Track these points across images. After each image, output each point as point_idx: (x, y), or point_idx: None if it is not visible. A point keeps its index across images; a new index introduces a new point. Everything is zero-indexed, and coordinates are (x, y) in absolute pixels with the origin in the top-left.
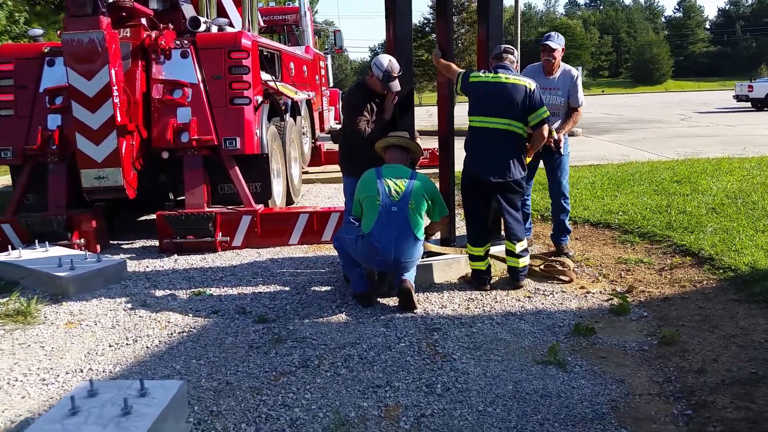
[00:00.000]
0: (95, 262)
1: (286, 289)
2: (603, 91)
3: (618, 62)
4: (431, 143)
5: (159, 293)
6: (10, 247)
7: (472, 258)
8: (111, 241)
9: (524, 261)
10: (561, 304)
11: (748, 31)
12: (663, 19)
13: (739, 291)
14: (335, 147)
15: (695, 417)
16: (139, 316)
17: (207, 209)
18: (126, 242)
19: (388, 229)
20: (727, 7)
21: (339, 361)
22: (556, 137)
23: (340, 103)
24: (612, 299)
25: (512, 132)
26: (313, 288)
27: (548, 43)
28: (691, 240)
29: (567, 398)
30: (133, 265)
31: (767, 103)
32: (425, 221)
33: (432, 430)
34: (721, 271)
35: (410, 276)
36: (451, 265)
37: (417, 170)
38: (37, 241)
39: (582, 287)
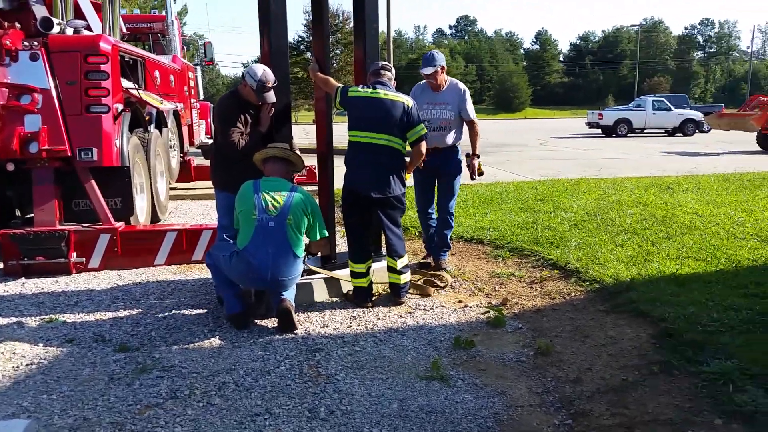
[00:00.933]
0: None
1: (152, 313)
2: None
3: (482, 90)
4: (310, 161)
5: (2, 321)
6: None
7: (354, 275)
8: None
9: (405, 277)
10: (441, 318)
11: (595, 64)
12: (522, 51)
13: (605, 302)
14: (206, 162)
15: (575, 426)
16: None
17: (59, 227)
18: None
19: (265, 245)
20: (578, 42)
21: (212, 390)
22: (475, 165)
23: (212, 114)
24: (488, 312)
25: (392, 147)
26: (182, 311)
27: (423, 71)
28: (558, 254)
29: (452, 413)
30: None
31: (615, 130)
32: (306, 239)
33: None
34: (588, 283)
35: (289, 295)
36: (332, 283)
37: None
38: None
39: (460, 301)
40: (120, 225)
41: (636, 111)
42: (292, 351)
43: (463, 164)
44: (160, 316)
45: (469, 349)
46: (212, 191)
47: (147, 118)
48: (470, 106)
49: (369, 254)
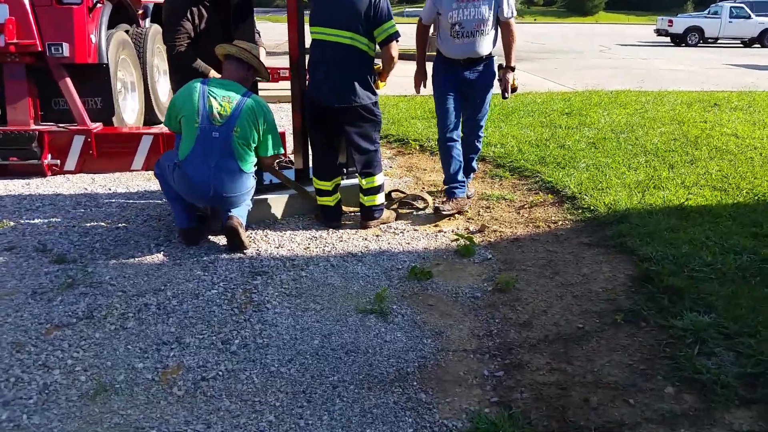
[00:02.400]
0: None
1: (107, 222)
2: (535, 20)
3: None
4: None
5: None
6: None
7: (319, 193)
8: None
9: (375, 198)
10: (408, 243)
11: None
12: None
13: (592, 234)
14: None
15: (505, 380)
16: None
17: (32, 127)
18: None
19: (207, 159)
20: None
21: (131, 312)
22: (509, 80)
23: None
24: (458, 239)
25: (356, 48)
26: (138, 222)
27: None
28: (559, 177)
29: (374, 354)
30: None
31: (684, 39)
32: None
33: (208, 396)
34: (580, 211)
35: (239, 212)
36: (298, 200)
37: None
38: None
39: (436, 225)
40: (96, 126)
41: (710, 18)
42: (234, 273)
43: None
44: (114, 226)
45: (424, 281)
46: None
47: (141, 12)
48: (511, 2)
49: (336, 170)
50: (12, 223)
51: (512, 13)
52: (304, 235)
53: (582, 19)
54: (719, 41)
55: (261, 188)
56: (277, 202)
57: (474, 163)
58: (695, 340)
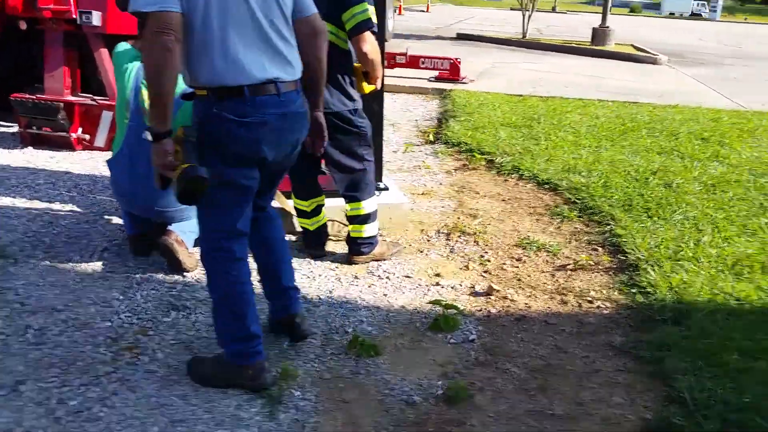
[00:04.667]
0: None
1: (85, 211)
2: (745, 19)
3: None
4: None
5: None
6: None
7: (297, 213)
8: None
9: (360, 230)
10: (384, 296)
11: None
12: None
13: (627, 332)
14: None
15: None
16: None
17: (63, 98)
18: (6, 124)
19: (134, 164)
20: None
21: (5, 333)
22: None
23: None
24: (437, 305)
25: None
26: (117, 216)
27: None
28: (634, 231)
29: None
30: None
31: None
32: None
33: None
34: (634, 290)
35: (183, 227)
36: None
37: None
38: None
39: (437, 274)
40: None
41: None
42: (150, 302)
43: None
44: (88, 218)
45: (363, 358)
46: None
47: None
48: None
49: (315, 188)
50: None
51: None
52: None
53: None
54: None
55: None
56: None
57: None
58: None
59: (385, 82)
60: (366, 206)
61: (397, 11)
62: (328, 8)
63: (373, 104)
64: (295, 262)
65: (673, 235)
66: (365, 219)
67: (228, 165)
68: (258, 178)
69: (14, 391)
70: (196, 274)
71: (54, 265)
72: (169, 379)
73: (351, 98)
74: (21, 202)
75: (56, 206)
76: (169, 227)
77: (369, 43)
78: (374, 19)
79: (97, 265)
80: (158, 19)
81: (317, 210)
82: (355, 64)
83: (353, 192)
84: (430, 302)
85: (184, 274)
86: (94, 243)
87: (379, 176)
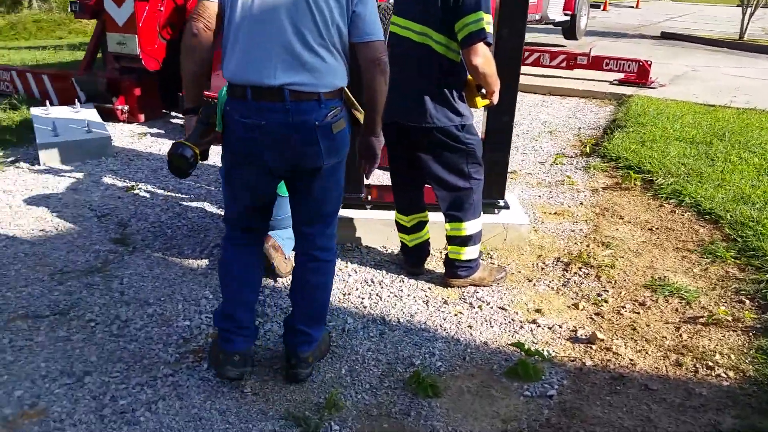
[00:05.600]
0: (83, 133)
1: (207, 205)
2: None
3: None
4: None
5: (101, 182)
6: (48, 102)
7: (398, 227)
8: (167, 113)
9: (460, 252)
10: (468, 329)
11: None
12: None
13: (743, 408)
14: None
15: None
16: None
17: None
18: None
19: None
20: None
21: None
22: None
23: None
24: (524, 349)
25: (429, 48)
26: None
27: None
28: None
29: None
30: (140, 144)
31: None
32: None
33: None
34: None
35: (282, 234)
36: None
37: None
38: (79, 101)
39: (538, 310)
40: None
41: None
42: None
43: None
44: (213, 213)
45: (418, 397)
46: None
47: None
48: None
49: (416, 203)
50: (140, 189)
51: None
52: (358, 275)
53: None
54: None
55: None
56: (360, 225)
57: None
58: None
59: (557, 85)
60: (468, 227)
61: (602, 7)
62: (443, 16)
63: (504, 116)
64: (387, 279)
65: None
66: (466, 241)
67: (230, 160)
68: (266, 183)
69: (78, 381)
70: (288, 281)
71: (165, 257)
72: (219, 390)
73: (459, 113)
74: (164, 192)
75: (191, 198)
76: (269, 233)
77: (481, 56)
78: (490, 29)
79: (204, 262)
80: (197, 6)
81: (419, 226)
82: (469, 77)
83: (456, 211)
84: (512, 344)
85: (277, 279)
86: (209, 238)
87: (501, 193)
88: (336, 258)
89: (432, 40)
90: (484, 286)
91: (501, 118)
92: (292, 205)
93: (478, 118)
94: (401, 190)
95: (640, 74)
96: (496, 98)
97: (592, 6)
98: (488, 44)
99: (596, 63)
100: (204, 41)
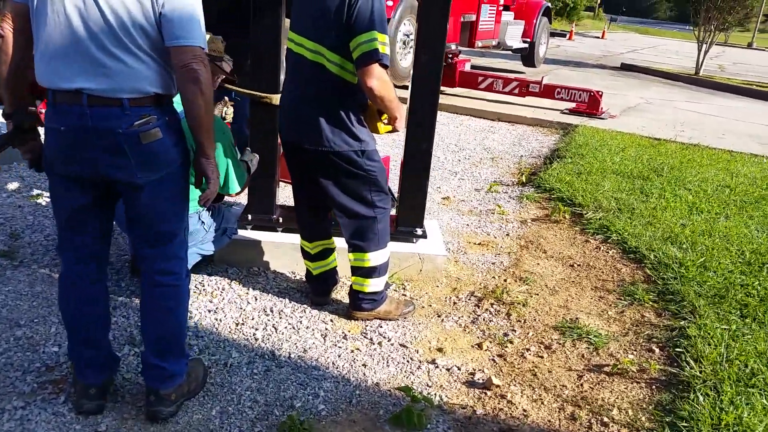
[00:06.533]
0: None
1: None
2: None
3: None
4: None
5: None
6: None
7: (303, 254)
8: None
9: (363, 284)
10: (362, 367)
11: None
12: None
13: None
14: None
15: None
16: None
17: None
18: None
19: None
20: None
21: None
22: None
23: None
24: (411, 395)
25: (323, 67)
26: None
27: None
28: (711, 336)
29: None
30: None
31: None
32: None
33: None
34: (670, 426)
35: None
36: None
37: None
38: None
39: (440, 349)
40: None
41: None
42: (114, 329)
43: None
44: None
45: None
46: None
47: None
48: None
49: (319, 230)
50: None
51: None
52: (257, 302)
53: None
54: None
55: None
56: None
57: None
58: None
59: (506, 111)
60: (372, 258)
61: (568, 36)
62: (337, 35)
63: (422, 143)
64: (288, 308)
65: (762, 349)
66: (370, 272)
67: (46, 171)
68: (75, 197)
69: None
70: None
71: (51, 273)
72: (71, 428)
73: (357, 138)
74: None
75: None
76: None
77: (375, 78)
78: (385, 50)
79: None
80: (4, 7)
81: (324, 254)
82: (369, 102)
83: (359, 241)
84: (398, 389)
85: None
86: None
87: (420, 221)
88: (187, 282)
89: (325, 59)
90: (390, 319)
91: (420, 145)
92: (127, 225)
93: (399, 143)
94: (304, 215)
95: (591, 104)
96: (400, 125)
97: (559, 35)
98: (384, 66)
99: (548, 91)
100: (9, 42)
